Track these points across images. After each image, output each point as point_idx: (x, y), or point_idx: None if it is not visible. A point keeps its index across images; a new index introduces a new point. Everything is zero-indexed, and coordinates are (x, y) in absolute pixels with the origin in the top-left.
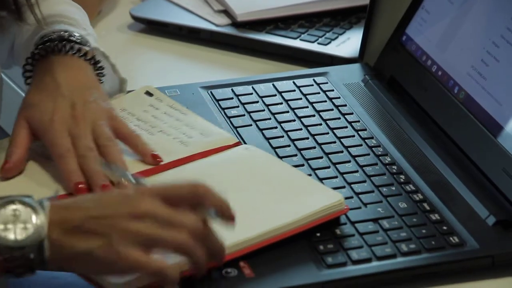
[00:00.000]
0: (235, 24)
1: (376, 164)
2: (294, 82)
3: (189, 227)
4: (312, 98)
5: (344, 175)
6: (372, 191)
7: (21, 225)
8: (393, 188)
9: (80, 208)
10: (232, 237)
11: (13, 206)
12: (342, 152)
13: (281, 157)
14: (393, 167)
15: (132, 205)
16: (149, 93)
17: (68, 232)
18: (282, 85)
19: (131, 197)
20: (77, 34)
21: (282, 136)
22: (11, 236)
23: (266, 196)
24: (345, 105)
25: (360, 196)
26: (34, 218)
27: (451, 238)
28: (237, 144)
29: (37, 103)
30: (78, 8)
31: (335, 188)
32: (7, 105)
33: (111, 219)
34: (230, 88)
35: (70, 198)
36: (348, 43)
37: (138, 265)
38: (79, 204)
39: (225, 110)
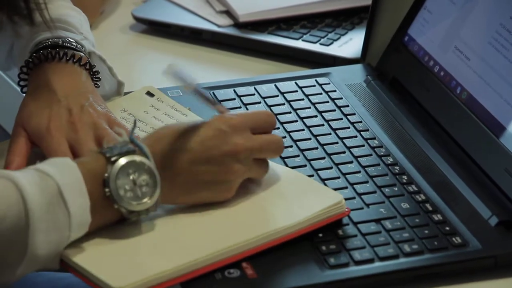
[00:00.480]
0: (237, 24)
1: (379, 164)
2: (296, 83)
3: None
4: (314, 99)
5: (346, 176)
6: (375, 192)
7: (140, 189)
8: (396, 189)
9: (185, 151)
10: (232, 239)
11: (129, 170)
12: (344, 152)
13: (283, 158)
14: (396, 167)
15: (231, 144)
16: (150, 94)
17: (175, 180)
18: (284, 86)
19: (227, 134)
20: (72, 40)
21: (285, 137)
22: (134, 202)
23: (266, 199)
24: (348, 106)
25: (362, 196)
26: (150, 180)
27: (453, 239)
28: None
29: (33, 110)
30: (78, 12)
31: (337, 189)
32: (7, 105)
33: (216, 164)
34: (232, 88)
35: (167, 132)
36: (350, 43)
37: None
38: (183, 146)
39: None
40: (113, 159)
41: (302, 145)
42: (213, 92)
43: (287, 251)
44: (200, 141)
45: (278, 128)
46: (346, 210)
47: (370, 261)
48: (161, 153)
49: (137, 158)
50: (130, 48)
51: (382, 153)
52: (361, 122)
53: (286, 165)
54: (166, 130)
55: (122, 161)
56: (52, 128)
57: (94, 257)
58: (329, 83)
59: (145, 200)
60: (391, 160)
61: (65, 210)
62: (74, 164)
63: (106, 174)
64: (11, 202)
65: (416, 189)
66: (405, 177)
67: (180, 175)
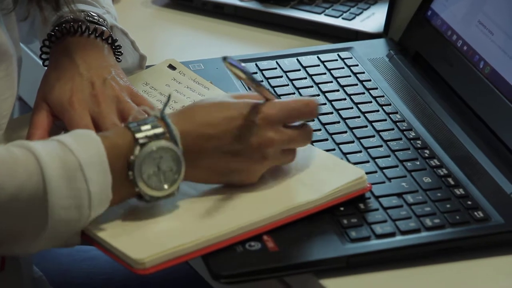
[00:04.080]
0: None
1: (401, 139)
2: (318, 57)
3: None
4: (336, 73)
5: (368, 150)
6: (397, 166)
7: (164, 175)
8: (418, 163)
9: (214, 139)
10: (253, 214)
11: (155, 155)
12: (366, 127)
13: None
14: (418, 142)
15: (261, 137)
16: (172, 67)
17: (200, 166)
18: (306, 60)
19: (259, 127)
20: (94, 14)
21: None
22: (156, 189)
23: (287, 174)
24: (370, 80)
25: (384, 170)
26: (175, 166)
27: (475, 213)
28: None
29: (55, 83)
30: None
31: (359, 163)
32: (29, 78)
33: (244, 157)
34: (254, 62)
35: (196, 113)
36: (373, 18)
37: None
38: (211, 131)
39: None
40: (141, 141)
41: (324, 119)
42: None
43: (308, 225)
44: (230, 130)
45: None
46: (368, 185)
47: (392, 235)
48: (188, 133)
49: (166, 144)
50: (152, 22)
51: (404, 128)
52: (383, 96)
53: None
54: (197, 108)
55: (150, 147)
56: (74, 101)
57: (115, 231)
58: (351, 58)
59: (166, 186)
60: (413, 134)
61: (86, 188)
62: (98, 138)
63: (132, 157)
64: (30, 171)
65: (438, 163)
66: (427, 151)
67: (204, 160)
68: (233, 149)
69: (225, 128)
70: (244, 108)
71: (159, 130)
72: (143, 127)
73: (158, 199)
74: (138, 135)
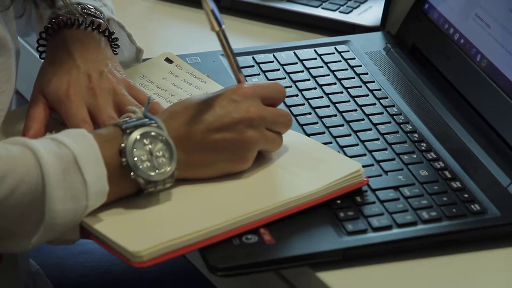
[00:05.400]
0: None
1: (397, 132)
2: (315, 50)
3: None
4: (333, 66)
5: (365, 143)
6: (393, 159)
7: (157, 160)
8: (414, 156)
9: (199, 121)
10: (250, 207)
11: (144, 141)
12: (363, 120)
13: (302, 125)
14: (414, 135)
15: (243, 110)
16: (169, 60)
17: (191, 150)
18: (303, 53)
19: (239, 103)
20: (90, 6)
21: (303, 104)
22: (152, 172)
23: (284, 167)
24: (367, 74)
25: (381, 163)
26: (167, 151)
27: (472, 206)
28: None
29: (52, 76)
30: None
31: (356, 156)
32: (26, 71)
33: (230, 131)
34: (251, 56)
35: (179, 107)
36: (370, 11)
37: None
38: (196, 118)
39: (246, 78)
40: (128, 130)
41: (321, 112)
42: None
43: (305, 217)
44: (213, 111)
45: (297, 95)
46: (365, 179)
47: (388, 227)
48: (176, 127)
49: (153, 129)
50: (149, 15)
51: (401, 121)
52: (380, 89)
53: (305, 132)
54: (179, 105)
55: (138, 132)
56: (71, 93)
57: (112, 224)
58: (348, 51)
59: (162, 170)
60: (410, 127)
61: (81, 178)
62: (90, 134)
63: (122, 145)
64: (29, 167)
65: (435, 156)
66: (424, 144)
67: (195, 146)
68: (219, 127)
69: (208, 111)
70: (222, 92)
71: (144, 120)
72: (129, 121)
73: (155, 185)
74: (125, 126)
